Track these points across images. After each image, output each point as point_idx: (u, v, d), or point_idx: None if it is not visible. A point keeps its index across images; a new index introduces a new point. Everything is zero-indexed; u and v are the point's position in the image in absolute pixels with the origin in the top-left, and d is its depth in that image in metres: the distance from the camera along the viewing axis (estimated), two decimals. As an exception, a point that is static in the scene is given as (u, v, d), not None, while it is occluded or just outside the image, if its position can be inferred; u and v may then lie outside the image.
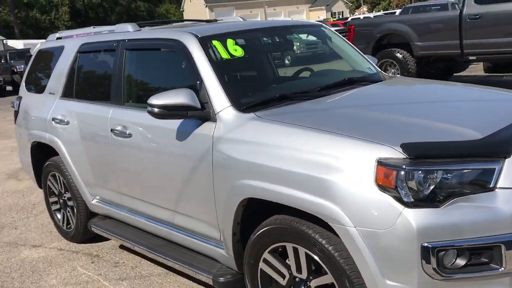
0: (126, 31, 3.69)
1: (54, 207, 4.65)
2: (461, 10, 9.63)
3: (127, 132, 3.35)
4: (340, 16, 62.62)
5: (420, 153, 2.07)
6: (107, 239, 4.45)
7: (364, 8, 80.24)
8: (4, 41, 39.22)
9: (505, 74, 11.60)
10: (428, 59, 10.72)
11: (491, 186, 2.07)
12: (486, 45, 9.32)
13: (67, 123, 3.99)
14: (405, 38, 10.48)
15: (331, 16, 68.90)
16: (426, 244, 1.99)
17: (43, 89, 4.46)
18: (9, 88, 22.57)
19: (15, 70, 21.76)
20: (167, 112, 2.77)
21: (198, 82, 2.90)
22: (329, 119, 2.57)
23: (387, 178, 2.04)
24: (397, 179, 2.03)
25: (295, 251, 2.43)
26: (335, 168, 2.18)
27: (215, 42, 3.08)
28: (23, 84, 4.88)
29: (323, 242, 2.27)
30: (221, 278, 2.89)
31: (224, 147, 2.67)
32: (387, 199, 2.05)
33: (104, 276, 3.80)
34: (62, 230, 4.57)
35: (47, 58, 4.58)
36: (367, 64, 3.73)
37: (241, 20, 4.20)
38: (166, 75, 3.36)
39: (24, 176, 7.20)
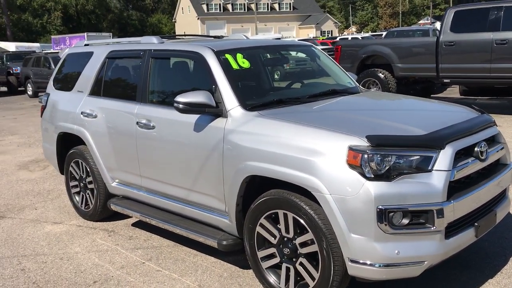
0: (152, 42, 4.47)
1: (73, 190, 5.36)
2: (438, 37, 10.63)
3: (151, 124, 4.11)
4: (330, 35, 64.17)
5: (379, 142, 2.87)
6: (120, 218, 5.18)
7: (353, 29, 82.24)
8: (-3, 43, 39.72)
9: (478, 97, 12.60)
10: (407, 80, 11.69)
11: (429, 168, 2.88)
12: (459, 70, 10.31)
13: (95, 116, 4.74)
14: (387, 59, 11.45)
15: (321, 34, 70.48)
16: (380, 207, 2.78)
17: (71, 87, 5.21)
18: (3, 89, 23.10)
19: (11, 72, 22.35)
20: (190, 108, 3.56)
21: (213, 86, 3.69)
22: (315, 117, 3.39)
23: (355, 159, 2.85)
24: (361, 160, 2.83)
25: (285, 216, 3.21)
26: (318, 152, 2.98)
27: (227, 55, 3.88)
28: (51, 82, 5.62)
29: (307, 208, 3.06)
30: (224, 242, 3.65)
31: (233, 137, 3.45)
32: (354, 174, 2.85)
33: (121, 246, 4.53)
34: (81, 210, 5.28)
35: (76, 61, 5.33)
36: (348, 79, 4.56)
37: (245, 37, 5.02)
38: (186, 79, 4.15)
39: (34, 167, 7.89)
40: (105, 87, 4.81)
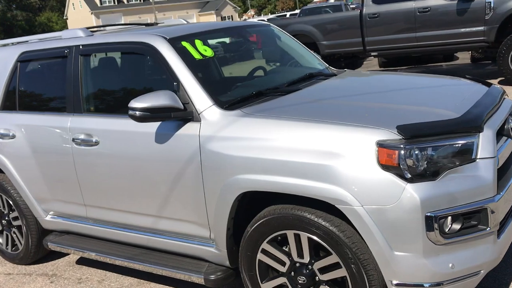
0: (78, 36, 3.55)
1: (-7, 230, 4.31)
2: (361, 9, 10.39)
3: (93, 140, 3.24)
4: (230, 20, 63.51)
5: (414, 133, 2.30)
6: (59, 256, 4.23)
7: (252, 12, 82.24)
8: None
9: (399, 67, 12.68)
10: (333, 57, 11.40)
11: (473, 157, 2.36)
12: (385, 41, 10.15)
13: (13, 137, 3.74)
14: (311, 38, 11.04)
15: (221, 20, 69.66)
16: (429, 214, 2.22)
17: (-27, 104, 4.12)
18: None
19: None
20: (150, 115, 2.76)
21: (175, 83, 2.91)
22: (316, 110, 2.73)
23: (390, 158, 2.25)
24: (399, 158, 2.24)
25: (297, 237, 2.56)
26: (336, 154, 2.34)
27: (184, 43, 3.10)
28: None
29: (327, 224, 2.42)
30: (212, 276, 2.92)
31: (214, 145, 2.71)
32: (390, 177, 2.25)
33: (71, 294, 3.63)
34: (7, 254, 4.25)
35: (-25, 70, 4.23)
36: (317, 60, 3.96)
37: (185, 22, 4.23)
38: (133, 79, 3.31)
39: None
40: (21, 99, 3.81)
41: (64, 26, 77.59)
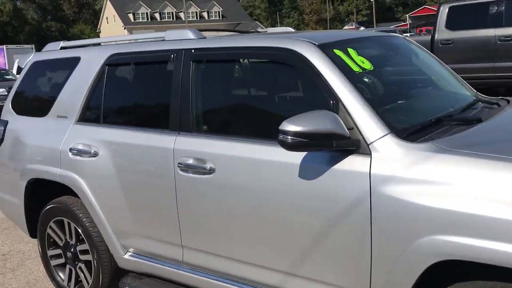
0: (187, 38, 2.90)
1: (55, 262, 3.62)
2: (432, 35, 9.69)
3: (207, 166, 2.55)
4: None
5: None
6: (131, 301, 3.51)
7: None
8: None
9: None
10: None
11: None
12: (459, 70, 9.34)
13: (94, 155, 3.08)
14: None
15: (252, 41, 69.62)
16: None
17: (46, 111, 3.49)
18: None
19: None
20: (308, 142, 2.05)
21: (332, 102, 2.21)
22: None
23: None
24: None
25: (522, 330, 1.80)
26: None
27: (337, 52, 2.41)
28: (9, 105, 3.83)
29: None
30: None
31: (396, 190, 1.99)
32: None
33: None
34: (68, 292, 3.56)
35: (50, 72, 3.63)
36: (465, 86, 3.23)
37: (293, 30, 3.57)
38: (265, 94, 2.63)
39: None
40: (107, 110, 3.16)
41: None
